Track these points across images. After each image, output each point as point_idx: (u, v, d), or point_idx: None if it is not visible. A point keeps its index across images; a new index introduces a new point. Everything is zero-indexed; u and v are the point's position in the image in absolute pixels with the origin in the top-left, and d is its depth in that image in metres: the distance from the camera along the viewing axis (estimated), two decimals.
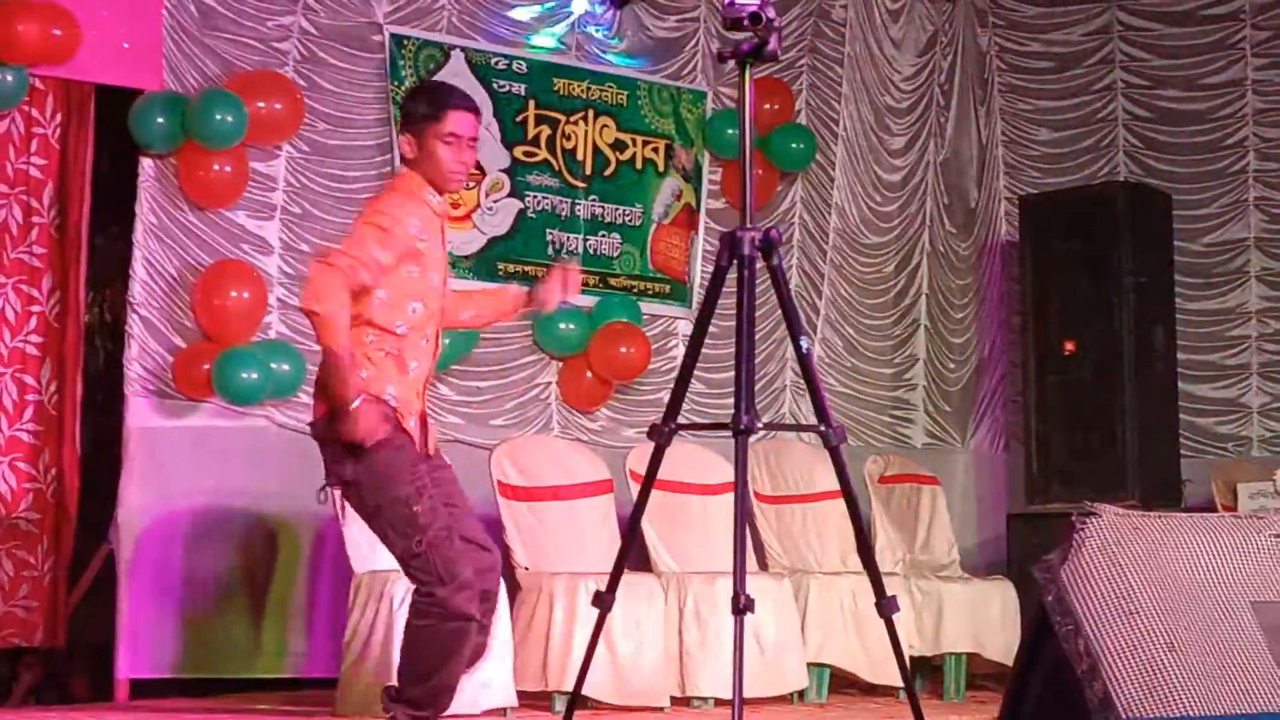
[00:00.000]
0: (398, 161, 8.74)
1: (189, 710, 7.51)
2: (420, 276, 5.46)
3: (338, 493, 5.61)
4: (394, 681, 5.57)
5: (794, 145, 10.09)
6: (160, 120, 8.05)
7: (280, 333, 8.43)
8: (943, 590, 9.11)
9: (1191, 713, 3.94)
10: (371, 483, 5.43)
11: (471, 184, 9.02)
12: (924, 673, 9.04)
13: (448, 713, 7.09)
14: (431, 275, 5.50)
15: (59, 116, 8.04)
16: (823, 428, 4.74)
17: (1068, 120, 11.20)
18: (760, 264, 4.81)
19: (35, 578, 7.90)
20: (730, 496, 8.66)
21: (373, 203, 5.64)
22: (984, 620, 9.10)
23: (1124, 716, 3.90)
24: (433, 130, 5.48)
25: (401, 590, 7.21)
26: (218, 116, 8.03)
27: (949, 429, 10.93)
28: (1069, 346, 10.12)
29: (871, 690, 8.74)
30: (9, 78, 7.70)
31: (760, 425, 4.60)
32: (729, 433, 4.61)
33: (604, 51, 9.64)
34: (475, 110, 5.61)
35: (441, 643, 5.40)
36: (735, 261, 4.73)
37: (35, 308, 7.99)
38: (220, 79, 8.28)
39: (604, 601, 4.87)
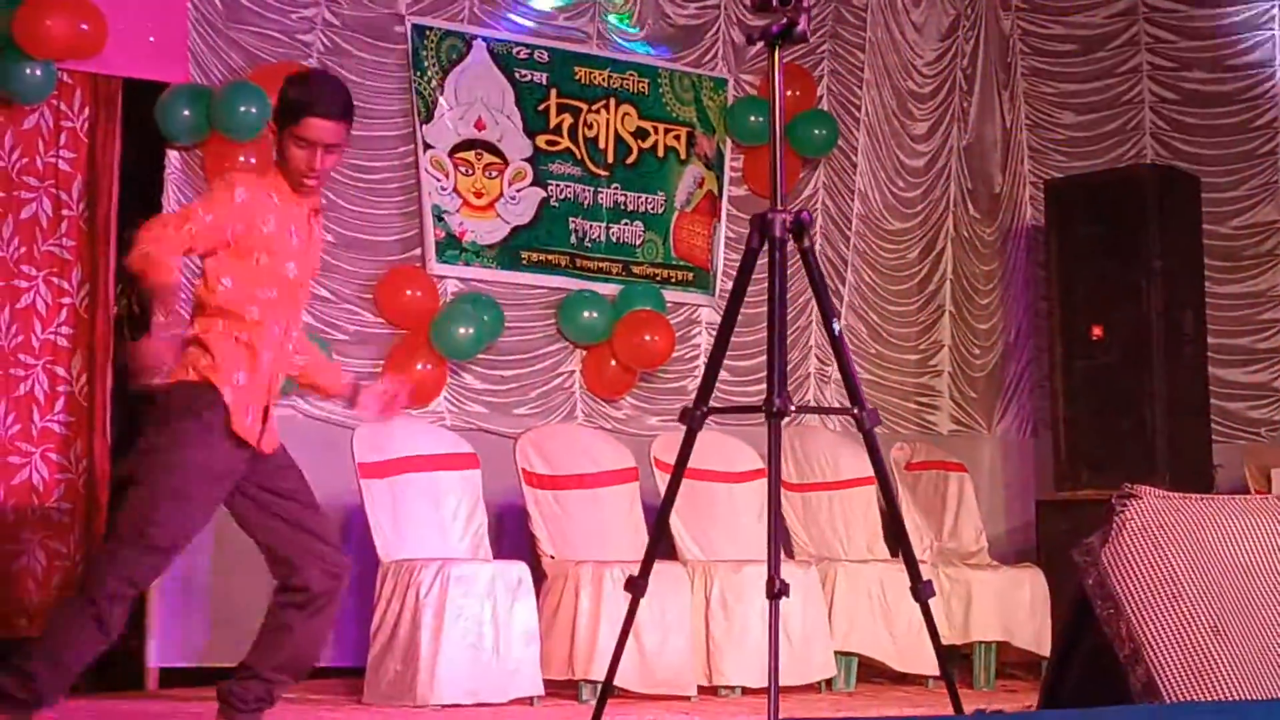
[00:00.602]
0: (420, 151, 8.74)
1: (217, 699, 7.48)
2: (270, 264, 5.44)
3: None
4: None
5: (816, 131, 10.05)
6: (186, 113, 8.07)
7: (306, 323, 8.38)
8: (971, 578, 9.07)
9: (1237, 696, 3.89)
10: (156, 457, 5.39)
11: (494, 173, 9.00)
12: (953, 661, 8.98)
13: (475, 701, 7.13)
14: (285, 264, 5.47)
15: (87, 110, 8.05)
16: (856, 410, 4.70)
17: (1093, 103, 11.13)
18: (790, 246, 4.78)
19: (68, 567, 7.91)
20: (756, 484, 8.69)
21: (232, 177, 5.63)
22: (1013, 608, 9.06)
23: (1168, 701, 3.86)
24: (289, 131, 5.44)
25: (429, 579, 7.20)
26: (242, 108, 8.03)
27: (975, 415, 10.88)
28: (1097, 331, 10.04)
29: (900, 679, 8.71)
30: (37, 72, 7.72)
31: (794, 408, 4.56)
32: (760, 416, 4.57)
33: (625, 40, 9.60)
34: (338, 117, 5.48)
35: (70, 626, 5.36)
36: (766, 244, 4.69)
37: (65, 300, 8.00)
38: (245, 71, 8.28)
39: (637, 587, 4.85)
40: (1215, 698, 3.88)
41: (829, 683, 8.35)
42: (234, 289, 5.41)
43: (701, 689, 7.87)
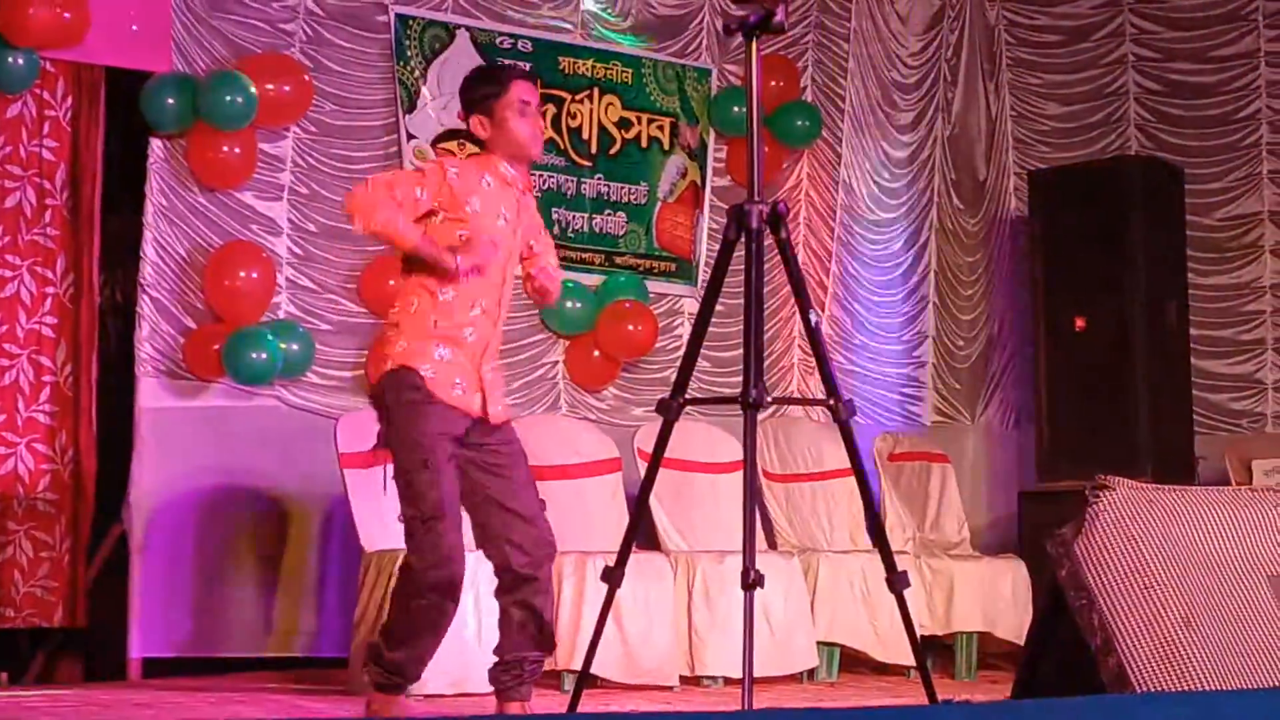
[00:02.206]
0: (404, 141, 8.74)
1: (200, 689, 7.50)
2: (473, 241, 5.54)
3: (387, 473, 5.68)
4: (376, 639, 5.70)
5: (799, 122, 10.05)
6: (170, 101, 8.07)
7: (289, 313, 8.43)
8: (953, 569, 9.09)
9: (1207, 686, 3.91)
10: (395, 445, 5.55)
11: None
12: (935, 652, 9.02)
13: (458, 691, 7.14)
14: (487, 243, 5.57)
15: (70, 99, 8.05)
16: (832, 402, 4.72)
17: (1077, 94, 11.15)
18: (768, 238, 4.79)
19: (53, 558, 7.92)
20: (739, 475, 8.70)
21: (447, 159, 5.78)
22: (995, 599, 9.07)
23: (1139, 690, 3.87)
24: (502, 103, 5.61)
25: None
26: (228, 98, 8.04)
27: (959, 406, 10.89)
28: (1080, 323, 10.07)
29: (882, 669, 8.72)
30: (20, 61, 7.72)
31: (770, 399, 4.58)
32: (738, 407, 4.58)
33: (609, 30, 9.60)
34: (534, 78, 5.84)
35: (413, 616, 5.53)
36: (742, 235, 4.71)
37: (50, 289, 8.00)
38: (228, 60, 8.29)
39: (613, 577, 4.86)
40: (1185, 688, 3.90)
41: (811, 673, 8.35)
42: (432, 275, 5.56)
43: (684, 679, 7.87)
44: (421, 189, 5.52)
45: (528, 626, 5.68)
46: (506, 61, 6.28)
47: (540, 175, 9.22)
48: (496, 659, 5.76)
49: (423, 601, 5.49)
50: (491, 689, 5.82)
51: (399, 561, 5.69)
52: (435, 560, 5.43)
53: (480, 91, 5.69)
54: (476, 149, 8.86)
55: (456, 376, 5.54)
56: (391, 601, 5.68)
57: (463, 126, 8.83)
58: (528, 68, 5.91)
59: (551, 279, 5.95)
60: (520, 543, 5.62)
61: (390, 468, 5.65)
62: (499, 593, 5.71)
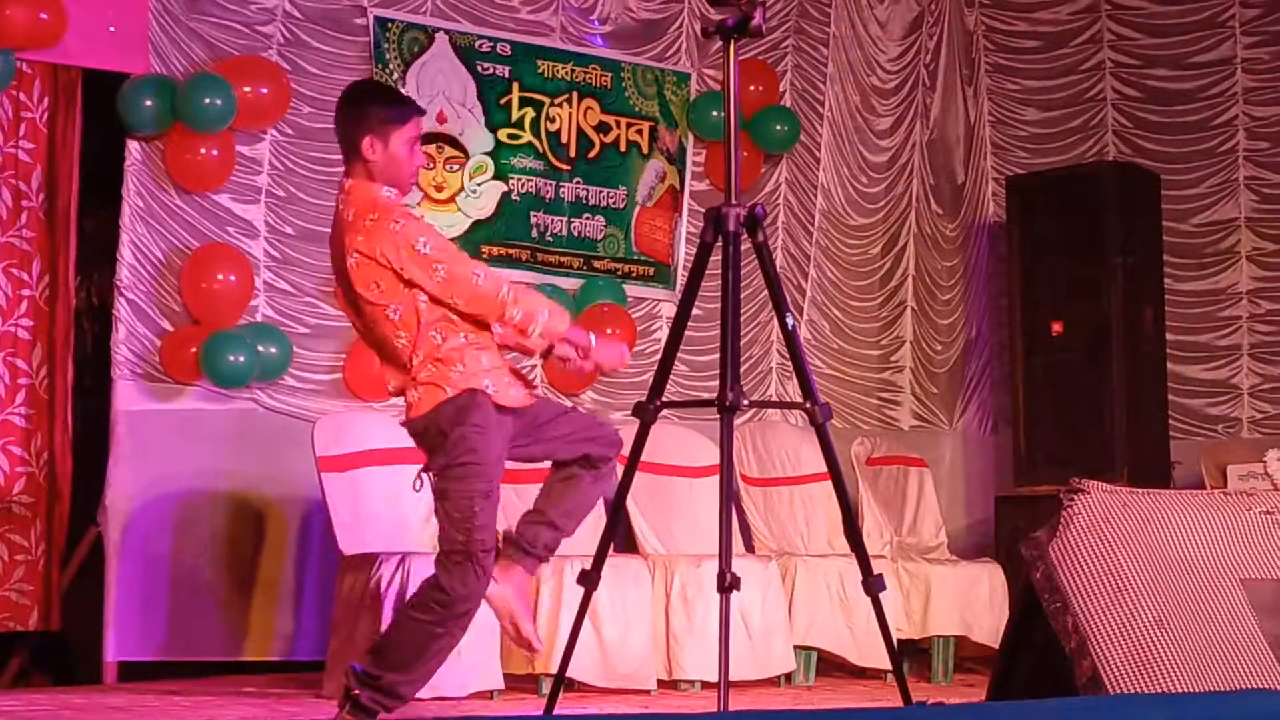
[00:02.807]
0: None
1: (176, 692, 7.49)
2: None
3: (430, 477, 5.55)
4: (366, 660, 5.55)
5: (778, 127, 10.06)
6: (149, 103, 8.05)
7: (267, 316, 8.42)
8: (930, 573, 9.10)
9: (1180, 688, 3.92)
10: (456, 472, 5.40)
11: (455, 166, 9.01)
12: (912, 656, 9.03)
13: (434, 695, 7.13)
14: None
15: (46, 100, 8.05)
16: (808, 405, 4.72)
17: (1056, 100, 11.16)
18: (745, 241, 4.79)
19: (29, 561, 7.91)
20: (717, 479, 8.67)
21: (386, 218, 5.46)
22: (972, 603, 9.08)
23: (1113, 693, 3.88)
24: (400, 133, 5.49)
25: (389, 572, 7.20)
26: (207, 100, 8.04)
27: (936, 411, 10.91)
28: (1057, 328, 10.09)
29: (859, 673, 8.73)
30: None
31: (746, 402, 4.58)
32: (715, 410, 4.59)
33: (588, 35, 9.61)
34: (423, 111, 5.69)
35: (427, 642, 5.39)
36: (720, 238, 4.71)
37: (26, 291, 7.99)
38: (205, 63, 8.28)
39: (589, 580, 4.86)
40: (1158, 690, 3.91)
41: (788, 677, 8.36)
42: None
43: (661, 683, 7.88)
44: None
45: (580, 498, 5.66)
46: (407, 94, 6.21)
47: (519, 179, 9.22)
48: (537, 508, 5.70)
49: (440, 630, 5.37)
50: (507, 545, 5.70)
51: (423, 583, 5.52)
52: (472, 594, 5.36)
53: (382, 114, 5.54)
54: (456, 152, 8.97)
55: (507, 377, 5.51)
56: (403, 622, 5.47)
57: (442, 129, 8.93)
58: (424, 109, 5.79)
59: None
60: (600, 439, 5.62)
61: (431, 478, 5.52)
62: (581, 467, 5.69)
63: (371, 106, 5.58)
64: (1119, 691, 3.92)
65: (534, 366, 9.20)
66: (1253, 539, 4.40)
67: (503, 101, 9.23)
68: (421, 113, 5.62)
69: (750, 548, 9.00)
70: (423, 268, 5.30)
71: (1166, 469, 10.06)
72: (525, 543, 5.65)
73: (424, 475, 5.52)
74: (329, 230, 8.58)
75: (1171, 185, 10.58)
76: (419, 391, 5.40)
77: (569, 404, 5.82)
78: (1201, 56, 10.87)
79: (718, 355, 4.71)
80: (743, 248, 4.98)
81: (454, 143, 9.02)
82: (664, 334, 9.56)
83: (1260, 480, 9.71)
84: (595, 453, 5.62)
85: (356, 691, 5.38)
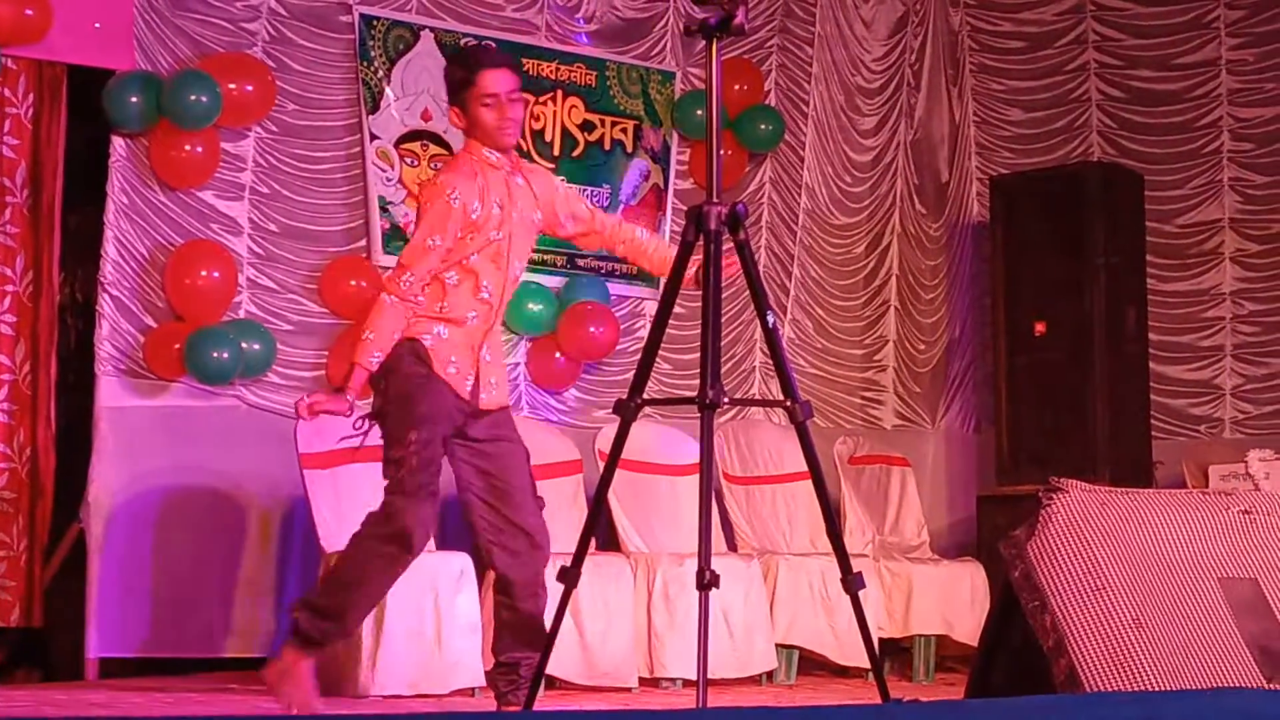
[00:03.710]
0: (366, 141, 8.74)
1: (158, 689, 7.48)
2: (478, 229, 5.66)
3: (370, 427, 5.72)
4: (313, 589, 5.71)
5: (762, 126, 10.07)
6: (134, 100, 8.04)
7: (250, 313, 8.42)
8: (912, 572, 9.11)
9: (1157, 687, 3.93)
10: (390, 412, 5.64)
11: (440, 165, 9.00)
12: (894, 654, 9.04)
13: (416, 692, 7.14)
14: (491, 231, 5.69)
15: (31, 97, 8.04)
16: (789, 403, 4.73)
17: (1040, 100, 11.18)
18: (727, 240, 4.79)
19: (11, 557, 7.90)
20: (698, 477, 8.69)
21: (432, 182, 5.83)
22: (953, 602, 9.10)
23: (1089, 691, 3.89)
24: (471, 95, 5.66)
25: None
26: (192, 97, 8.03)
27: (919, 410, 10.92)
28: (1040, 328, 10.10)
29: (841, 672, 8.74)
30: None
31: (726, 400, 4.58)
32: (696, 408, 4.59)
33: (573, 34, 9.61)
34: (509, 65, 5.77)
35: (369, 559, 5.64)
36: (701, 236, 4.71)
37: (9, 287, 7.98)
38: (191, 59, 8.27)
39: (569, 576, 4.86)
40: (1136, 688, 3.92)
41: (770, 675, 8.37)
42: (443, 260, 5.65)
43: (643, 680, 7.89)
44: (435, 238, 5.61)
45: (516, 628, 5.75)
46: (486, 44, 6.27)
47: None
48: (494, 659, 5.83)
49: (389, 551, 5.60)
50: (491, 693, 5.90)
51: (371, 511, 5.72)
52: (412, 511, 5.57)
53: (453, 79, 5.76)
54: (441, 150, 8.96)
55: (453, 355, 5.66)
56: (349, 546, 5.71)
57: (426, 128, 8.93)
58: (498, 52, 5.89)
59: (644, 255, 6.13)
60: (511, 547, 5.68)
61: (377, 430, 5.71)
62: (494, 589, 5.82)
63: (448, 77, 5.81)
64: (1096, 689, 3.93)
65: (517, 370, 9.22)
66: (1230, 539, 4.42)
67: None
68: (496, 65, 5.70)
69: (732, 546, 9.01)
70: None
71: (1149, 469, 10.08)
72: (500, 690, 5.83)
73: (365, 421, 5.68)
74: (312, 227, 8.68)
75: (1156, 186, 10.60)
76: None
77: (539, 494, 5.86)
78: (1186, 58, 10.88)
79: (698, 355, 4.72)
80: (725, 247, 5.00)
81: (439, 140, 9.01)
82: (647, 331, 9.56)
83: (1242, 481, 9.73)
84: (505, 564, 5.71)
85: (296, 615, 5.67)
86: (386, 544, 5.62)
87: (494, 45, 6.06)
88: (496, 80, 5.66)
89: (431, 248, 5.59)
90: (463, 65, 5.78)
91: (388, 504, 5.62)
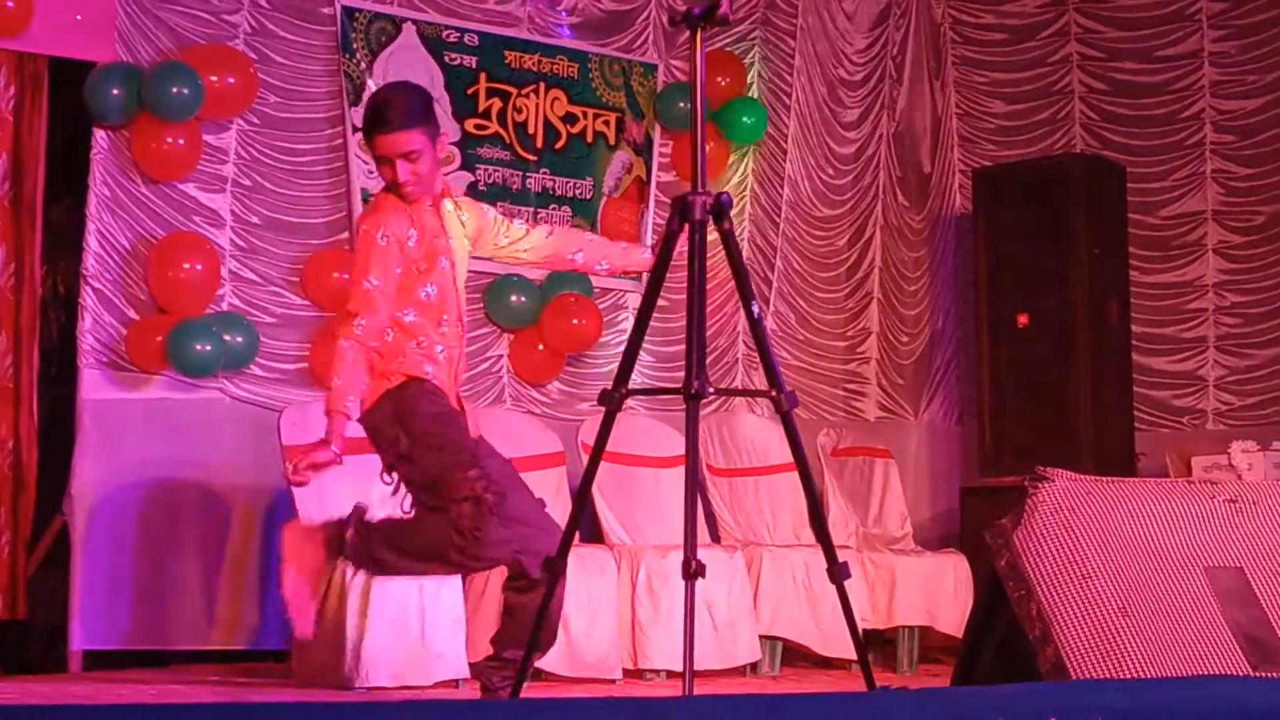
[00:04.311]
0: (349, 134, 8.73)
1: (142, 681, 7.47)
2: (424, 261, 5.57)
3: (395, 476, 5.61)
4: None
5: (746, 119, 10.06)
6: (116, 92, 8.01)
7: (233, 305, 8.41)
8: (895, 563, 9.12)
9: (1143, 675, 3.93)
10: (425, 453, 5.51)
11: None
12: (877, 646, 9.05)
13: (400, 684, 7.14)
14: (440, 260, 5.60)
15: (12, 89, 8.02)
16: (774, 393, 4.72)
17: (1023, 93, 11.19)
18: (711, 230, 4.79)
19: None
20: (682, 469, 8.67)
21: (359, 231, 5.72)
22: (937, 593, 9.11)
23: (1076, 679, 3.89)
24: (371, 151, 5.64)
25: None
26: (174, 89, 8.00)
27: (902, 402, 10.93)
28: (1022, 319, 10.12)
29: (824, 663, 8.75)
30: None
31: (711, 390, 4.58)
32: (681, 399, 4.58)
33: (556, 26, 9.60)
34: (410, 123, 5.53)
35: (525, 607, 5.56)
36: (686, 226, 4.71)
37: None
38: (172, 51, 8.25)
39: (554, 568, 4.85)
40: (1122, 676, 3.92)
41: (753, 666, 8.38)
42: (395, 298, 5.54)
43: (627, 672, 7.89)
44: (371, 279, 5.47)
45: (526, 625, 5.66)
46: (393, 97, 6.07)
47: (486, 169, 9.21)
48: (493, 651, 5.74)
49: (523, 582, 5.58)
50: (478, 683, 5.83)
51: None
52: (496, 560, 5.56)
53: (364, 134, 5.68)
54: None
55: (446, 391, 5.61)
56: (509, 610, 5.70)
57: None
58: (404, 105, 5.68)
59: (608, 255, 6.06)
60: (535, 549, 5.60)
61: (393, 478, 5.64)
62: (511, 591, 5.73)
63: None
64: (1082, 678, 3.93)
65: (500, 363, 9.22)
66: (1217, 527, 4.42)
67: (470, 92, 9.22)
68: (391, 128, 5.52)
69: (716, 538, 9.01)
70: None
71: (1132, 460, 10.10)
72: (489, 682, 5.76)
73: (390, 474, 5.59)
74: (295, 219, 8.66)
75: (1138, 178, 10.62)
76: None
77: (536, 494, 5.81)
78: (1169, 50, 10.90)
79: (682, 346, 4.71)
80: (709, 238, 5.00)
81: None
82: (629, 325, 9.55)
83: (1225, 472, 9.76)
84: (534, 565, 5.58)
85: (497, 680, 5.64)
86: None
87: (406, 92, 5.82)
88: (390, 144, 5.51)
89: (370, 289, 5.45)
90: (366, 117, 5.66)
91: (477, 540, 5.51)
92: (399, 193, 5.56)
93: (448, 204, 5.74)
